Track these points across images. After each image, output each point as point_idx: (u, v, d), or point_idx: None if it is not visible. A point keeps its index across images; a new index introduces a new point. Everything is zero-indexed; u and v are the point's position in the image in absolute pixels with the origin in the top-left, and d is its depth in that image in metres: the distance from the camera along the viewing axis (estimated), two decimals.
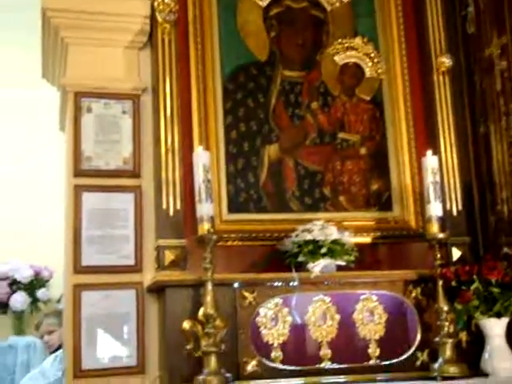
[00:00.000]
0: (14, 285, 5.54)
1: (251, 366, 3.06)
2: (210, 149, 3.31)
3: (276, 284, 3.17)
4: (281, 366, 3.10)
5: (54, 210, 5.36)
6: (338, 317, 3.22)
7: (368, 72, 3.72)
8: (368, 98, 3.70)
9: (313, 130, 3.61)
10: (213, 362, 2.88)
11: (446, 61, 3.63)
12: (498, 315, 3.17)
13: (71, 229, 3.25)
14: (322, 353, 3.17)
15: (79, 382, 3.12)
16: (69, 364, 3.14)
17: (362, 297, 3.27)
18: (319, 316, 3.21)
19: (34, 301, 5.61)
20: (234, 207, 3.41)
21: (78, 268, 3.22)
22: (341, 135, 3.64)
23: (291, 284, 3.17)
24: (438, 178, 3.29)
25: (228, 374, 2.91)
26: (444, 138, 3.61)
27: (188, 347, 2.96)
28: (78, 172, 3.30)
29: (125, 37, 3.42)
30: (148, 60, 3.47)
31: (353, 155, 3.64)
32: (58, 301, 5.64)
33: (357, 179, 3.62)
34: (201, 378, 2.86)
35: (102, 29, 3.37)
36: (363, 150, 3.65)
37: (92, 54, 3.36)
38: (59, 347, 4.52)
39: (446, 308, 3.18)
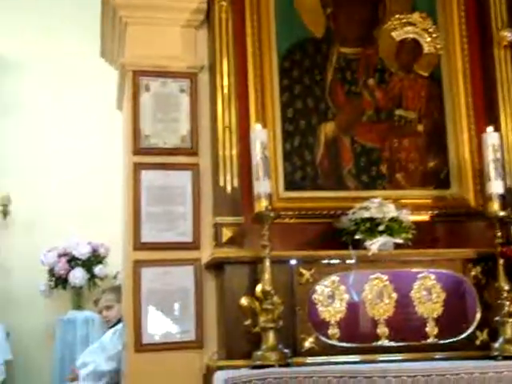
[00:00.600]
0: (73, 261, 5.67)
1: (308, 343, 3.08)
2: (267, 126, 3.31)
3: (333, 261, 3.18)
4: (338, 343, 3.11)
5: (111, 188, 5.48)
6: (395, 295, 3.20)
7: (426, 47, 3.66)
8: (426, 74, 3.64)
9: (369, 107, 3.57)
10: (271, 337, 2.91)
11: (508, 35, 3.54)
12: None
13: (130, 206, 3.31)
14: (378, 331, 3.17)
15: (140, 355, 3.19)
16: (130, 338, 3.21)
17: (420, 275, 3.25)
18: (376, 294, 3.20)
19: (92, 277, 5.73)
20: (290, 185, 3.42)
21: (138, 245, 3.28)
22: (398, 112, 3.60)
23: (348, 262, 3.17)
24: (499, 155, 3.24)
25: (286, 350, 2.94)
26: (505, 114, 3.53)
27: (246, 323, 2.99)
28: (136, 150, 3.35)
29: (182, 15, 3.44)
30: (205, 38, 3.49)
31: (410, 132, 3.60)
32: (115, 277, 5.75)
33: (414, 156, 3.58)
34: (259, 353, 2.89)
35: (160, 8, 3.40)
36: (421, 127, 3.61)
37: (150, 33, 3.40)
38: (118, 322, 4.61)
39: (506, 287, 3.14)
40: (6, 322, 5.43)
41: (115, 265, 5.69)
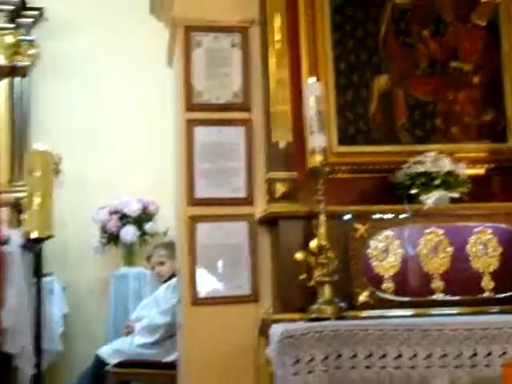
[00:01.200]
0: (124, 218, 5.76)
1: (363, 297, 3.10)
2: (319, 80, 3.27)
3: (387, 216, 3.16)
4: (392, 297, 3.12)
5: (161, 145, 5.53)
6: (450, 249, 3.18)
7: None
8: (483, 24, 3.55)
9: (424, 58, 3.50)
10: (327, 291, 2.93)
11: None
12: None
13: (184, 163, 3.33)
14: (433, 285, 3.16)
15: (196, 309, 3.25)
16: (185, 293, 3.27)
17: (476, 229, 3.21)
18: (431, 248, 3.18)
19: (143, 234, 5.81)
20: (343, 139, 3.39)
21: (192, 201, 3.31)
22: (453, 64, 3.52)
23: (403, 216, 3.16)
24: None
25: (342, 304, 2.95)
26: None
27: (301, 277, 3.01)
28: (189, 107, 3.35)
29: None
30: None
31: (465, 84, 3.52)
32: (165, 234, 5.84)
33: (469, 109, 3.50)
34: (315, 306, 2.91)
35: None
36: (476, 79, 3.52)
37: None
38: (170, 277, 4.70)
39: None
40: (62, 277, 5.57)
41: (165, 222, 5.80)
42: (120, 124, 6.09)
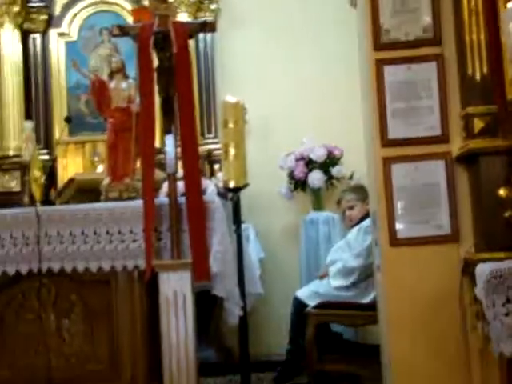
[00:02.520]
0: (310, 164, 5.83)
1: None
2: None
3: None
4: None
5: (340, 89, 5.51)
6: None
7: None
8: None
9: None
10: None
11: None
12: None
13: (375, 104, 3.29)
14: None
15: (395, 249, 3.24)
16: (383, 234, 3.26)
17: None
18: None
19: (329, 178, 5.86)
20: None
21: (386, 142, 3.26)
22: None
23: None
24: None
25: None
26: None
27: (506, 214, 2.88)
28: (377, 46, 3.28)
29: None
30: None
31: None
32: (351, 177, 5.86)
33: None
34: None
35: None
36: None
37: None
38: (360, 220, 4.72)
39: None
40: (254, 224, 5.78)
41: (350, 165, 5.81)
42: (300, 69, 6.12)
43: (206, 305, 4.39)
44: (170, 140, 3.55)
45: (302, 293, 4.73)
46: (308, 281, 5.27)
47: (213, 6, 6.18)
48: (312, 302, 4.53)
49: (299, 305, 4.63)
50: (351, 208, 4.90)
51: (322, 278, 4.80)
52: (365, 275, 4.43)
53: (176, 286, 3.37)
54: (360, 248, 4.49)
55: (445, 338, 3.19)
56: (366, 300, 4.37)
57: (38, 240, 3.47)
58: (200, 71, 6.07)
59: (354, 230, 4.74)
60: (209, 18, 6.03)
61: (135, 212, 3.49)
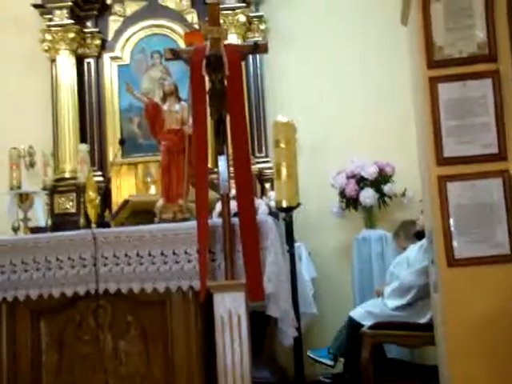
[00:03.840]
0: (362, 182, 5.79)
1: None
2: None
3: None
4: None
5: (391, 106, 5.47)
6: None
7: None
8: None
9: None
10: None
11: None
12: None
13: (429, 121, 3.26)
14: None
15: (452, 270, 3.19)
16: (440, 253, 3.21)
17: None
18: None
19: (381, 196, 5.81)
20: None
21: (441, 160, 3.23)
22: None
23: None
24: None
25: None
26: None
27: None
28: (431, 64, 3.26)
29: None
30: None
31: None
32: (403, 194, 5.79)
33: None
34: None
35: None
36: None
37: None
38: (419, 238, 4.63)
39: None
40: (306, 243, 5.75)
41: (402, 182, 5.75)
42: (349, 87, 6.11)
43: (261, 324, 4.38)
44: (222, 161, 3.57)
45: (357, 313, 4.68)
46: (361, 300, 5.21)
47: (262, 27, 6.22)
48: (367, 322, 4.48)
49: (354, 325, 4.58)
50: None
51: (378, 295, 4.74)
52: (422, 294, 4.35)
53: (230, 307, 3.37)
54: (419, 265, 4.41)
55: (505, 358, 3.11)
56: (423, 320, 4.30)
57: (94, 261, 3.53)
58: (249, 90, 6.10)
59: (415, 246, 4.66)
60: (258, 38, 6.08)
61: (189, 233, 3.51)
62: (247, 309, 3.39)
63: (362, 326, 4.49)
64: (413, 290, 4.40)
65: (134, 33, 6.29)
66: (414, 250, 4.60)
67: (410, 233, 4.81)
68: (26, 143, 5.88)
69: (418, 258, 4.46)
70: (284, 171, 3.87)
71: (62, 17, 6.14)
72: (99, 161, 6.19)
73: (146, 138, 6.08)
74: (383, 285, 4.75)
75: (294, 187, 3.96)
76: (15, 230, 4.92)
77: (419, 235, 4.47)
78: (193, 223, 3.52)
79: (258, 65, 6.16)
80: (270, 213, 5.41)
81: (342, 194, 5.86)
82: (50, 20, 6.17)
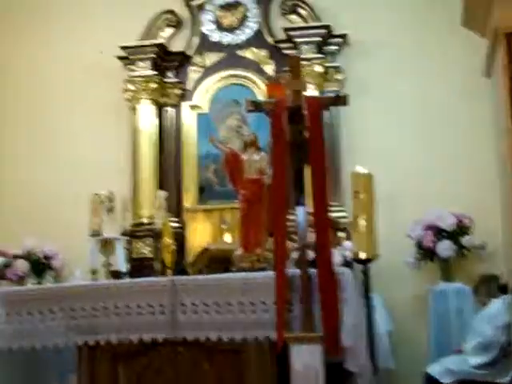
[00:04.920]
0: (439, 233, 5.67)
1: None
2: None
3: None
4: None
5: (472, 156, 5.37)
6: None
7: None
8: None
9: None
10: None
11: None
12: None
13: None
14: None
15: None
16: None
17: None
18: None
19: (459, 248, 5.67)
20: None
21: None
22: None
23: None
24: None
25: None
26: None
27: None
28: None
29: None
30: None
31: None
32: (482, 247, 5.63)
33: None
34: None
35: None
36: None
37: None
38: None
39: None
40: (380, 294, 5.64)
41: (481, 234, 5.59)
42: (427, 137, 6.06)
43: (337, 377, 4.30)
44: (301, 211, 3.59)
45: (435, 369, 4.54)
46: (438, 356, 5.05)
47: (339, 77, 6.25)
48: (446, 380, 4.34)
49: (431, 382, 4.44)
50: None
51: (457, 352, 4.59)
52: (506, 352, 4.19)
53: (307, 360, 3.34)
54: (501, 322, 4.25)
55: None
56: (505, 379, 4.13)
57: (173, 309, 3.56)
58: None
59: (498, 301, 4.51)
60: (334, 88, 6.12)
61: (267, 283, 3.51)
62: (324, 361, 3.35)
63: (441, 383, 4.35)
64: (495, 347, 4.24)
65: (213, 83, 6.45)
66: (497, 304, 4.45)
67: (492, 288, 4.66)
68: (107, 189, 6.05)
69: (501, 314, 4.31)
70: (362, 222, 3.84)
71: (144, 68, 6.36)
72: (175, 207, 6.28)
73: (222, 186, 6.18)
74: (463, 342, 4.60)
75: (372, 239, 3.91)
76: (94, 273, 5.02)
77: (503, 289, 4.33)
78: (270, 273, 3.52)
79: (334, 114, 6.17)
80: (345, 263, 5.35)
81: (419, 245, 5.74)
82: (134, 71, 6.40)
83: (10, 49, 6.90)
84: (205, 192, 6.30)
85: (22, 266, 6.18)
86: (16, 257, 6.23)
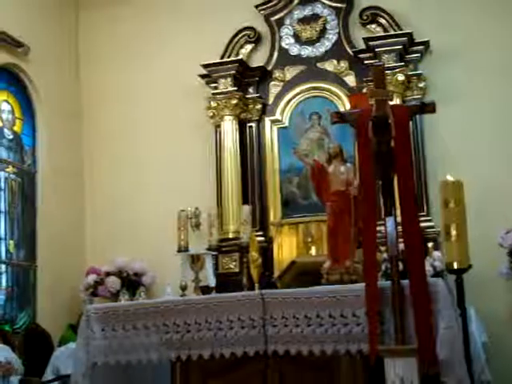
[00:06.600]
0: None
1: None
2: None
3: None
4: None
5: None
6: None
7: None
8: None
9: None
10: None
11: None
12: None
13: None
14: None
15: None
16: None
17: None
18: None
19: None
20: None
21: None
22: None
23: None
24: None
25: None
26: None
27: None
28: None
29: None
30: None
31: None
32: None
33: None
34: None
35: None
36: None
37: None
38: None
39: None
40: (473, 305, 5.49)
41: None
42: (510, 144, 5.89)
43: None
44: (390, 222, 3.52)
45: None
46: None
47: (421, 84, 6.16)
48: None
49: None
50: None
51: None
52: None
53: (402, 373, 3.27)
54: None
55: None
56: None
57: (263, 323, 3.57)
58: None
59: None
60: (417, 96, 6.04)
61: (357, 295, 3.47)
62: (419, 374, 3.27)
63: None
64: None
65: (294, 96, 6.48)
66: None
67: None
68: (193, 205, 6.15)
69: None
70: (454, 232, 3.74)
71: (226, 85, 6.46)
72: (260, 221, 6.32)
73: (306, 199, 6.18)
74: None
75: (464, 248, 3.80)
76: (183, 289, 5.10)
77: None
78: (360, 285, 3.48)
79: (418, 122, 6.07)
80: (435, 274, 5.23)
81: (511, 253, 5.57)
82: (215, 88, 6.50)
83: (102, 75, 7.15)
84: (289, 205, 6.30)
85: (113, 283, 6.35)
86: (108, 274, 6.42)
